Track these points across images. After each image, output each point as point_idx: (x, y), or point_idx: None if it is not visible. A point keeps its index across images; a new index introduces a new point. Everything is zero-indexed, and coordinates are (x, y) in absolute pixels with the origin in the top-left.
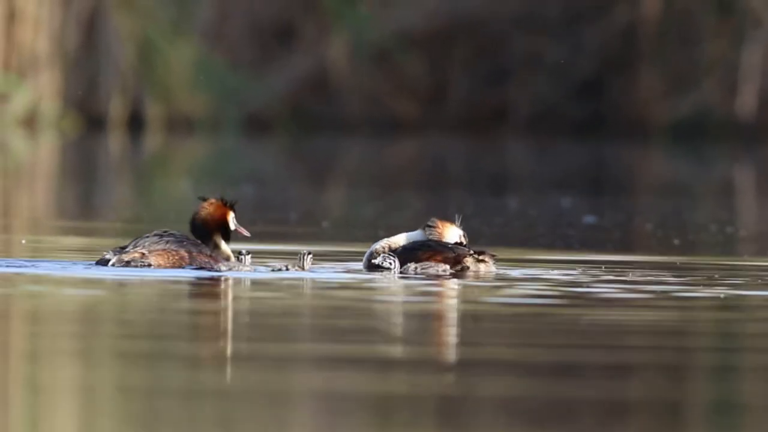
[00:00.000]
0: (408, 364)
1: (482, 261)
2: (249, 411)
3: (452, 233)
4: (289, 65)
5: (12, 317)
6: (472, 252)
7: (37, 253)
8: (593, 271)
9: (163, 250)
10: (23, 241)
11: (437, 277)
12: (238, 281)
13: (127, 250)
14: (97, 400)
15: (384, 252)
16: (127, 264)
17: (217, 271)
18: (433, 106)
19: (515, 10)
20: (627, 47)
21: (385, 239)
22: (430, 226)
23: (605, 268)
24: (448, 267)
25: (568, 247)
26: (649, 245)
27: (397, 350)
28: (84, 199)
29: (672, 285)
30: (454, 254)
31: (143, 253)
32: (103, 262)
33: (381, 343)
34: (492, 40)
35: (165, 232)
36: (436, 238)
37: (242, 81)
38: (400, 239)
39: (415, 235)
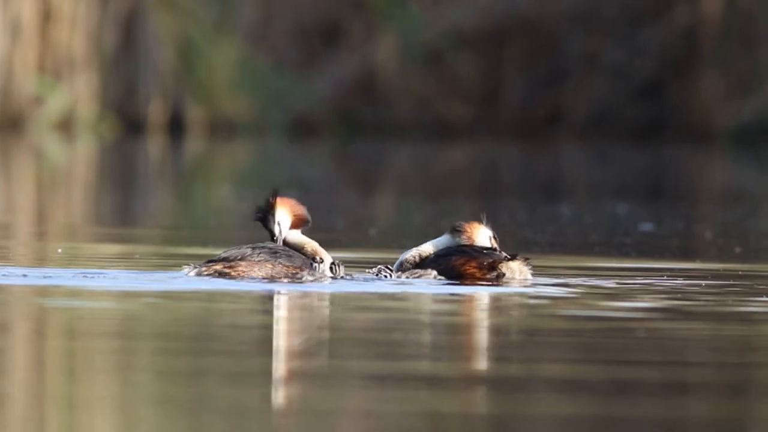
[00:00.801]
0: (458, 381)
1: (515, 260)
2: (294, 429)
3: (482, 234)
4: (335, 67)
5: (86, 332)
6: (506, 257)
7: (75, 262)
8: (651, 280)
9: (247, 262)
10: (59, 250)
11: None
12: (301, 294)
13: (212, 261)
14: (137, 415)
15: (415, 260)
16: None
17: (298, 282)
18: (486, 109)
19: (572, 10)
20: (687, 49)
21: (415, 248)
22: (457, 230)
23: (667, 276)
24: (436, 273)
25: (624, 255)
26: (709, 253)
27: (446, 367)
28: (122, 205)
29: (733, 295)
30: (490, 260)
31: (219, 271)
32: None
33: (428, 360)
34: (547, 40)
35: (257, 245)
36: (466, 242)
37: (287, 83)
38: (429, 247)
39: (442, 240)
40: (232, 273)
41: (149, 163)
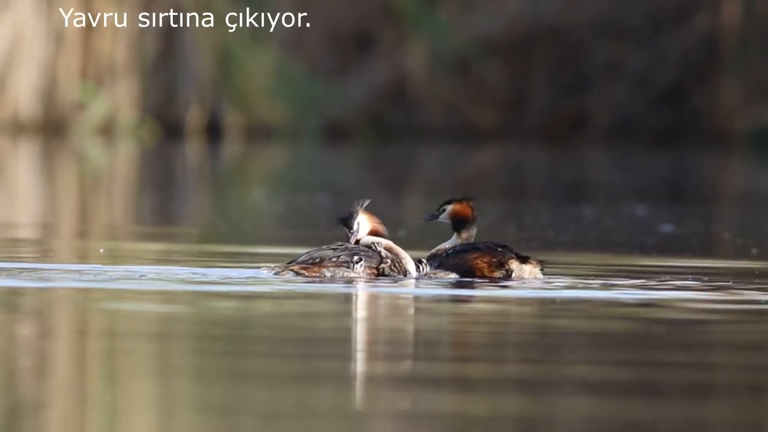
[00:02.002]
0: (485, 383)
1: (527, 263)
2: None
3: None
4: (368, 73)
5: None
6: (518, 256)
7: (117, 260)
8: (672, 279)
9: (323, 263)
10: (101, 250)
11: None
12: (366, 296)
13: (291, 262)
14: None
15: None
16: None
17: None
18: (512, 115)
19: (596, 18)
20: (708, 55)
21: (436, 247)
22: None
23: (691, 275)
24: (457, 275)
25: (645, 254)
26: (727, 253)
27: (474, 369)
28: (162, 206)
29: (749, 293)
30: (500, 257)
31: (295, 272)
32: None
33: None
34: (572, 48)
35: (341, 244)
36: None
37: (321, 89)
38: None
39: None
40: (307, 274)
41: (188, 167)
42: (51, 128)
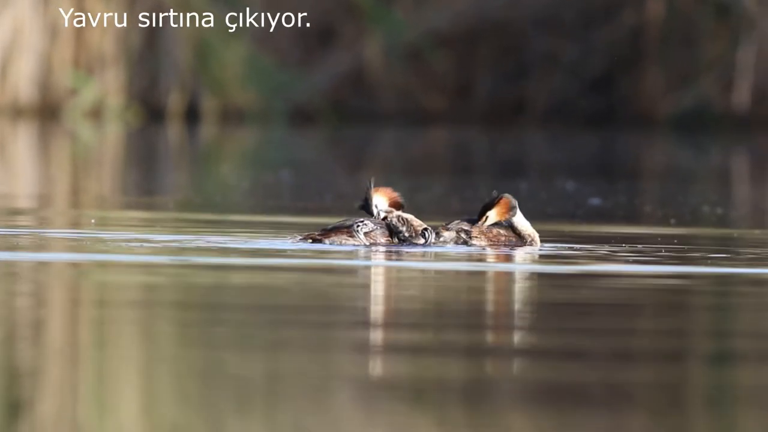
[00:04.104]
0: (430, 349)
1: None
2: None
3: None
4: (330, 63)
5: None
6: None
7: (108, 227)
8: (598, 244)
9: (342, 231)
10: (93, 221)
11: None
12: (379, 268)
13: (319, 232)
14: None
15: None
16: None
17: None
18: (459, 100)
19: (535, 14)
20: (634, 47)
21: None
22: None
23: (614, 241)
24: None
25: (575, 223)
26: (648, 223)
27: (419, 336)
28: (145, 181)
29: (667, 261)
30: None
31: (314, 238)
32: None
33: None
34: (513, 41)
35: (363, 220)
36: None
37: (288, 77)
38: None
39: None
40: (325, 240)
41: (169, 147)
42: (46, 112)
